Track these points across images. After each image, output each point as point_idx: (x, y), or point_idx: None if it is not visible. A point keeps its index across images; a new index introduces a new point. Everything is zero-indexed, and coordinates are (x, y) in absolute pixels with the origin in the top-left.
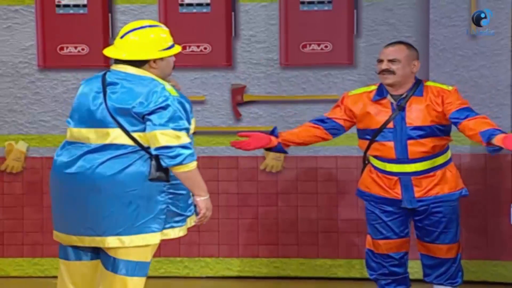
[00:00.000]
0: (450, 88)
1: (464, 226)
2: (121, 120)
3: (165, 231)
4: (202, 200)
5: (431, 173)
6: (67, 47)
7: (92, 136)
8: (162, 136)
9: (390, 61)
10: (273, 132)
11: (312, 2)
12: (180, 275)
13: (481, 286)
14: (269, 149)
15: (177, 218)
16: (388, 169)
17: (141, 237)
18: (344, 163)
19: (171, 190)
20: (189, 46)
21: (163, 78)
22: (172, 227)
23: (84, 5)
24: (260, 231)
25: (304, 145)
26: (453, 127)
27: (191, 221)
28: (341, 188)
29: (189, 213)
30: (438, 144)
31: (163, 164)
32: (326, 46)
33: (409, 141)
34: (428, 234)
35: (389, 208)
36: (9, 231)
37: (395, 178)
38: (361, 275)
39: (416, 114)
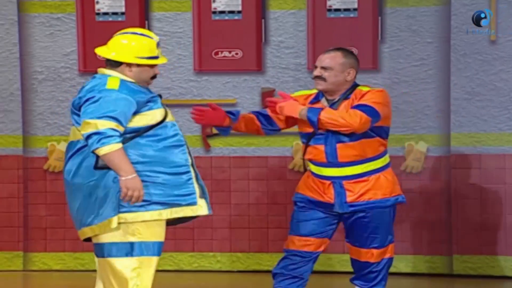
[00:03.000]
0: (368, 88)
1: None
2: (74, 116)
3: (121, 215)
4: (122, 180)
5: (364, 178)
6: None
7: (70, 135)
8: (83, 126)
9: (323, 68)
10: (233, 114)
11: (339, 10)
12: (212, 269)
13: None
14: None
15: (137, 203)
16: (322, 173)
17: (105, 223)
18: None
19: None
20: (221, 52)
21: (139, 83)
22: (130, 211)
23: (122, 13)
24: (288, 228)
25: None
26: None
27: (169, 212)
28: None
29: (156, 198)
30: (370, 147)
31: None
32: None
33: (338, 145)
34: (356, 238)
35: (320, 210)
36: (51, 227)
37: (328, 182)
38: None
39: None
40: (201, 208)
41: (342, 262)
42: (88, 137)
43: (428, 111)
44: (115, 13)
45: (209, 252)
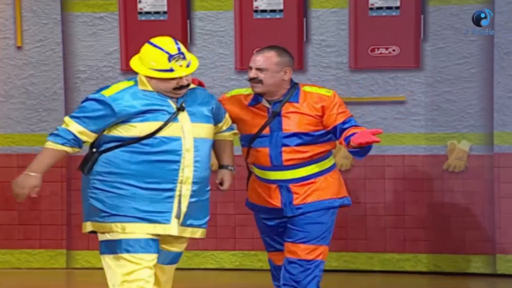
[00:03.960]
0: (330, 93)
1: None
2: None
3: (87, 223)
4: (22, 174)
5: (311, 180)
6: None
7: None
8: None
9: (258, 69)
10: None
11: (381, 8)
12: (254, 268)
13: None
14: None
15: (102, 214)
16: (267, 177)
17: (84, 225)
18: (411, 162)
19: (96, 185)
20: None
21: (162, 93)
22: (95, 221)
23: (164, 12)
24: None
25: None
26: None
27: (134, 226)
28: (407, 186)
29: (119, 211)
30: (317, 151)
31: None
32: (394, 50)
33: (284, 148)
34: (291, 234)
35: (272, 218)
36: None
37: (274, 185)
38: (427, 269)
39: (293, 120)
40: (171, 228)
41: (383, 261)
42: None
43: (471, 110)
44: (157, 12)
45: (251, 250)
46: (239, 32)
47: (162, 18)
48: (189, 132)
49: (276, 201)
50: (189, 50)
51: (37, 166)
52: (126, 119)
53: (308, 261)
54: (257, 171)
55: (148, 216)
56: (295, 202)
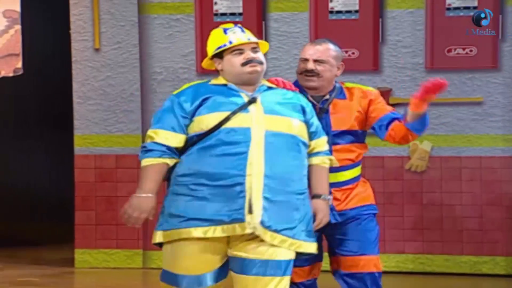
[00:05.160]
0: (373, 89)
1: None
2: None
3: (157, 232)
4: (134, 195)
5: (350, 185)
6: None
7: None
8: None
9: (317, 61)
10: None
11: (458, 8)
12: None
13: None
14: None
15: (176, 220)
16: None
17: (154, 234)
18: (488, 163)
19: (173, 191)
20: None
21: (236, 82)
22: (166, 229)
23: (240, 14)
24: (405, 228)
25: None
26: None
27: (213, 230)
28: (484, 187)
29: (193, 214)
30: (362, 152)
31: None
32: (471, 50)
33: (334, 147)
34: (341, 244)
35: None
36: None
37: None
38: (506, 272)
39: (342, 117)
40: (245, 226)
41: (460, 263)
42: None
43: None
44: (232, 14)
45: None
46: (314, 33)
47: (237, 19)
48: (260, 123)
49: None
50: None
51: (148, 186)
52: (193, 114)
53: (369, 273)
54: None
55: (222, 216)
56: (338, 207)
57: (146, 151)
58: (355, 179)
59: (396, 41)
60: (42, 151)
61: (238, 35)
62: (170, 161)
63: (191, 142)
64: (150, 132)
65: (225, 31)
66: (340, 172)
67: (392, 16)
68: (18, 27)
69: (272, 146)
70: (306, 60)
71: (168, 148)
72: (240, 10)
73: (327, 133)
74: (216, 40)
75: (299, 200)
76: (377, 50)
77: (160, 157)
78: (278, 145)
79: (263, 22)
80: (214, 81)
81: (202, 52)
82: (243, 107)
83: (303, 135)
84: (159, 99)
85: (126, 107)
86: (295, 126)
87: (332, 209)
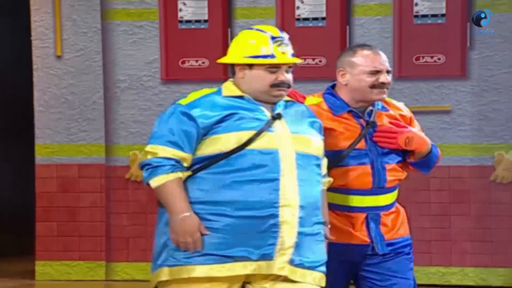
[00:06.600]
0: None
1: None
2: None
3: (162, 269)
4: (171, 221)
5: (392, 209)
6: (188, 61)
7: None
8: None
9: (388, 72)
10: None
11: (426, 16)
12: None
13: None
14: None
15: (186, 254)
16: (355, 204)
17: (156, 274)
18: (456, 173)
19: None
20: (305, 59)
21: (254, 96)
22: (175, 265)
23: (205, 21)
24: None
25: None
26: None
27: (224, 268)
28: (453, 197)
29: (209, 250)
30: (407, 172)
31: None
32: (439, 59)
33: (387, 165)
34: (386, 282)
35: (348, 261)
36: (133, 237)
37: (363, 215)
38: (475, 283)
39: None
40: (275, 265)
41: (429, 275)
42: (142, 168)
43: None
44: (198, 21)
45: None
46: None
47: (203, 26)
48: (289, 144)
49: (364, 235)
50: None
51: (179, 207)
52: (207, 131)
53: None
54: (338, 198)
55: (248, 253)
56: (387, 236)
57: (152, 168)
58: (394, 204)
59: None
60: (2, 160)
61: (284, 50)
62: (183, 175)
63: (203, 163)
64: (149, 148)
65: (273, 39)
66: (390, 193)
67: (359, 24)
68: None
69: (303, 170)
70: (377, 72)
71: (177, 161)
72: (205, 17)
73: (377, 150)
74: (257, 44)
75: (320, 231)
76: None
77: (173, 171)
78: (307, 169)
79: (229, 29)
80: (228, 92)
81: (166, 59)
82: (268, 125)
83: (322, 154)
84: (123, 107)
85: (89, 115)
86: (318, 146)
87: (381, 237)
